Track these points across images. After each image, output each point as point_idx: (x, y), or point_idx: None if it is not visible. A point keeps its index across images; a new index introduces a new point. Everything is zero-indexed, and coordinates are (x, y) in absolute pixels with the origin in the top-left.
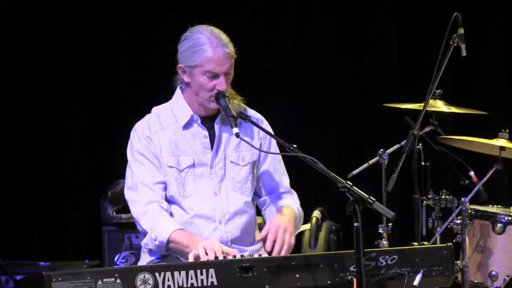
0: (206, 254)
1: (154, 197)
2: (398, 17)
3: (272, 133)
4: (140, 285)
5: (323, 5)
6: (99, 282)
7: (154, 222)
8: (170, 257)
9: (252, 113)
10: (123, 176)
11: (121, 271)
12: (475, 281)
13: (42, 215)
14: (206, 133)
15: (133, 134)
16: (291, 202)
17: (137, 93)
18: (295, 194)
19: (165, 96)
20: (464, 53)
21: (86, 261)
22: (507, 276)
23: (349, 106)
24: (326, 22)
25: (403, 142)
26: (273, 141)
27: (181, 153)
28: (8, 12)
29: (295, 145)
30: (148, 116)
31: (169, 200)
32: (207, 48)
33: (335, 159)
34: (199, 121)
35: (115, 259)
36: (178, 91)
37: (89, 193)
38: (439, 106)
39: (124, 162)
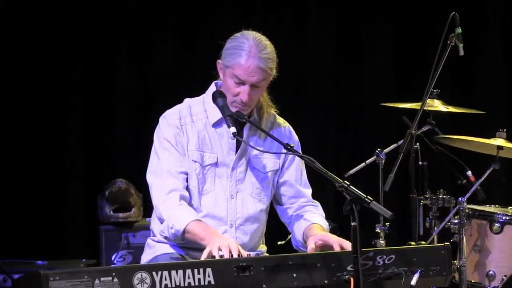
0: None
1: (177, 185)
2: (395, 17)
3: (298, 144)
4: (137, 284)
5: (320, 6)
6: (97, 281)
7: (173, 210)
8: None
9: (280, 121)
10: (120, 175)
11: (119, 270)
12: (473, 281)
13: (39, 214)
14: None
15: (162, 120)
16: (320, 219)
17: (137, 93)
18: (319, 206)
19: (167, 96)
20: (461, 53)
21: (84, 260)
22: (505, 275)
23: (346, 105)
24: (323, 22)
25: (401, 142)
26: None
27: (206, 149)
28: (7, 12)
29: (292, 145)
30: (179, 106)
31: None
32: (243, 54)
33: (332, 158)
34: (230, 122)
35: (113, 258)
36: (212, 87)
37: (86, 192)
38: (437, 105)
39: (121, 161)
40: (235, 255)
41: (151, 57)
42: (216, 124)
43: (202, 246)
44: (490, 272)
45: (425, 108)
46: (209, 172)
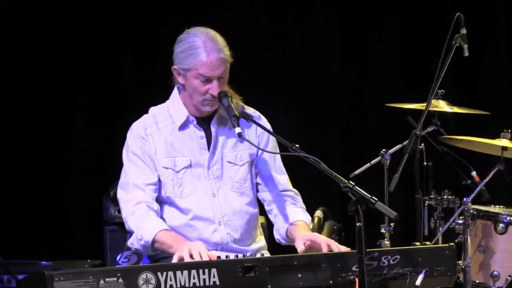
0: (191, 257)
1: (144, 198)
2: (401, 17)
3: (271, 130)
4: (142, 284)
5: (325, 6)
6: (101, 282)
7: (141, 222)
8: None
9: (250, 111)
10: None
11: (123, 271)
12: (477, 281)
13: (44, 214)
14: (202, 133)
15: (129, 134)
16: (302, 214)
17: (139, 94)
18: (298, 196)
19: (167, 97)
20: (466, 53)
21: (88, 260)
22: (509, 276)
23: (351, 105)
24: (328, 22)
25: (405, 142)
26: (271, 138)
27: (177, 154)
28: (8, 13)
29: (297, 145)
30: (145, 116)
31: (166, 201)
32: (201, 52)
33: (337, 158)
34: (195, 122)
35: (117, 259)
36: (175, 91)
37: (91, 193)
38: (442, 106)
39: None
40: (205, 258)
41: (155, 59)
42: (183, 126)
43: (172, 255)
44: (495, 273)
45: (430, 108)
46: (185, 176)
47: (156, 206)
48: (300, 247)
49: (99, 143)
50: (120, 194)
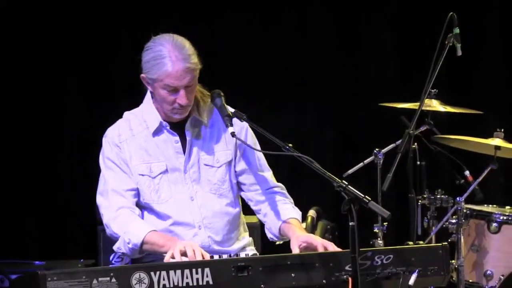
0: (184, 254)
1: (124, 203)
2: (395, 17)
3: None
4: (135, 284)
5: (320, 5)
6: (95, 281)
7: (127, 226)
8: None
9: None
10: None
11: (117, 270)
12: (470, 281)
13: (37, 214)
14: (177, 138)
15: (104, 140)
16: (293, 212)
17: (134, 93)
18: (285, 192)
19: None
20: (459, 53)
21: (82, 260)
22: (502, 275)
23: (344, 105)
24: (323, 21)
25: (399, 142)
26: (250, 136)
27: (153, 160)
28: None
29: (290, 144)
30: (119, 122)
31: (144, 207)
32: (167, 61)
33: (330, 158)
34: (168, 127)
35: (110, 258)
36: (148, 96)
37: (84, 192)
38: (435, 105)
39: None
40: (198, 255)
41: None
42: (157, 132)
43: (163, 255)
44: (488, 272)
45: (423, 108)
46: (162, 181)
47: (137, 211)
48: (295, 250)
49: (92, 143)
50: (100, 200)
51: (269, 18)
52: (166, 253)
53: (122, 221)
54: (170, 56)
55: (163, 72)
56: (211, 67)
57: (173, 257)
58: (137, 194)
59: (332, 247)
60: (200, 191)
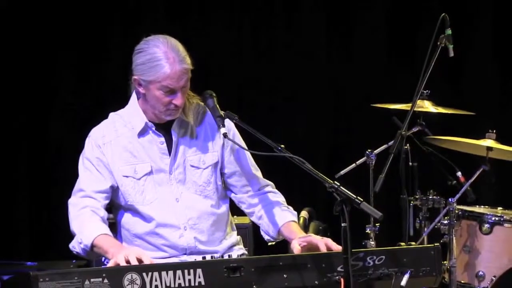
0: (128, 262)
1: (91, 203)
2: (386, 17)
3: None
4: (127, 285)
5: (312, 5)
6: (87, 282)
7: (82, 226)
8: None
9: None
10: None
11: (109, 271)
12: (462, 281)
13: (29, 214)
14: (162, 139)
15: (87, 140)
16: (290, 214)
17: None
18: (276, 191)
19: None
20: (451, 54)
21: (74, 261)
22: (494, 276)
23: (336, 106)
24: (314, 21)
25: (391, 143)
26: (237, 136)
27: (137, 161)
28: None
29: (282, 145)
30: (104, 122)
31: (129, 209)
32: (164, 63)
33: (322, 159)
34: (153, 128)
35: (103, 259)
36: (133, 97)
37: None
38: (427, 106)
39: None
40: (146, 261)
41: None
42: (142, 133)
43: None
44: (480, 273)
45: (415, 109)
46: (147, 183)
47: (102, 212)
48: (296, 248)
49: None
50: (70, 198)
51: (258, 17)
52: (110, 259)
53: (80, 221)
54: (167, 58)
55: (161, 74)
56: (201, 68)
57: (117, 265)
58: (109, 196)
59: (332, 243)
60: (185, 192)
